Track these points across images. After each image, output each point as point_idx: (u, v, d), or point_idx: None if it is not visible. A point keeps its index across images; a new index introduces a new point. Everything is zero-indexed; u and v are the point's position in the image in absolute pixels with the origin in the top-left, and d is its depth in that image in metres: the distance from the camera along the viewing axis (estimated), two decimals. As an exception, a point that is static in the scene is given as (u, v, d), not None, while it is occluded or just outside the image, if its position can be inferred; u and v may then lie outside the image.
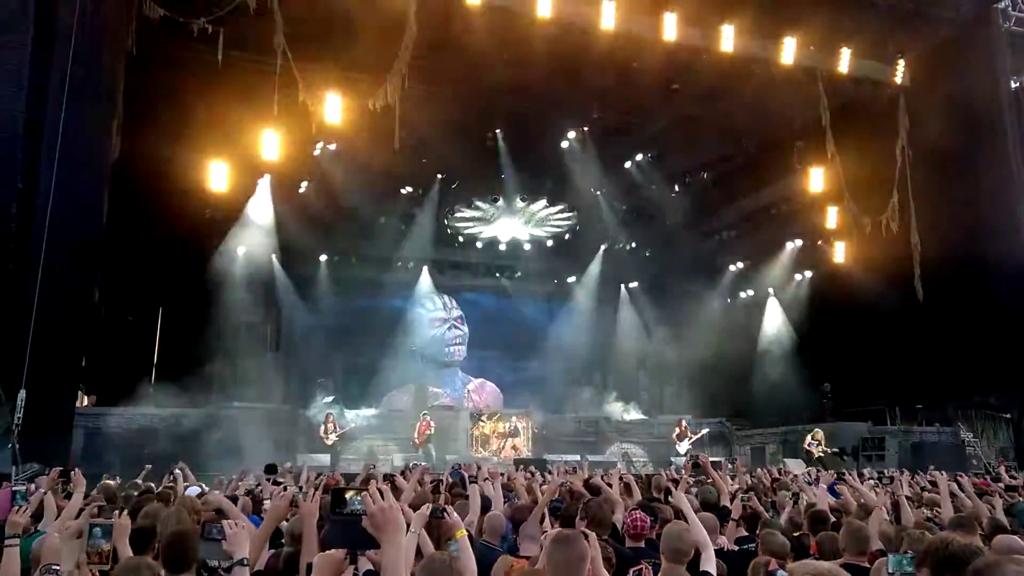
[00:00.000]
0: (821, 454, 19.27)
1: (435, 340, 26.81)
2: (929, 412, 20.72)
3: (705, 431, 21.56)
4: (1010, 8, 20.56)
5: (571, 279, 28.49)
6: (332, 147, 19.91)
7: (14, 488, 4.64)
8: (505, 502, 6.99)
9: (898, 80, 20.08)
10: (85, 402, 18.00)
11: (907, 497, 7.12)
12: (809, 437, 19.47)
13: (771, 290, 25.86)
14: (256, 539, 3.70)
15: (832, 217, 21.58)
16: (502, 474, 9.38)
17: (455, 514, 4.07)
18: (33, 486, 5.34)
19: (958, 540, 2.96)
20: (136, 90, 15.85)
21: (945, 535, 3.24)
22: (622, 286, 28.34)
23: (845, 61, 19.42)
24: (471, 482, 6.33)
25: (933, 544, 2.97)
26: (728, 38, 18.15)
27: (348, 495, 2.42)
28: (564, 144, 23.18)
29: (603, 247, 27.47)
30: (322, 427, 19.01)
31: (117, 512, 3.91)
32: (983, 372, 18.57)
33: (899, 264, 20.08)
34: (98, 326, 18.31)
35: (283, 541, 4.59)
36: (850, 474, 9.86)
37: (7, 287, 12.83)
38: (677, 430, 21.34)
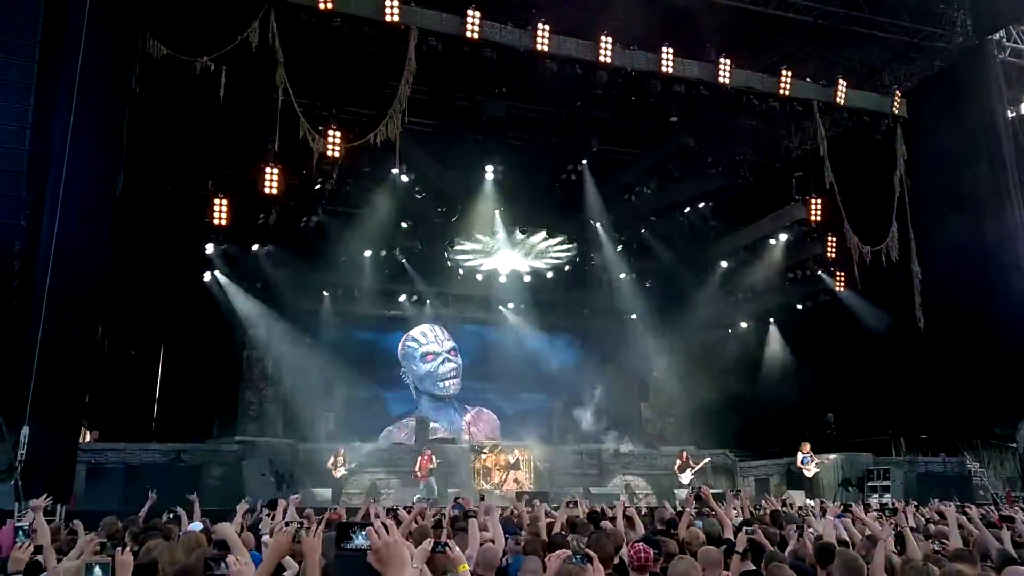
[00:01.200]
0: (817, 470, 19.19)
1: (429, 375, 26.67)
2: (934, 442, 20.61)
3: (706, 460, 21.40)
4: (1004, 39, 20.85)
5: (572, 311, 28.47)
6: (332, 181, 19.99)
7: (17, 525, 4.63)
8: (509, 536, 6.95)
9: (895, 110, 20.27)
10: (88, 438, 17.94)
11: (913, 529, 7.07)
12: (800, 455, 19.41)
13: (772, 320, 25.88)
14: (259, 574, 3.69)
15: (832, 247, 21.67)
16: (503, 508, 9.33)
17: (457, 548, 4.05)
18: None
19: (966, 573, 2.93)
20: (139, 127, 16.02)
21: (951, 568, 3.21)
22: (624, 317, 28.31)
23: (842, 92, 19.62)
24: (468, 516, 6.29)
25: None
26: (725, 71, 18.37)
27: (353, 530, 2.42)
28: (563, 176, 23.33)
29: (604, 279, 27.51)
30: (331, 459, 18.93)
31: (120, 549, 3.91)
32: (988, 402, 18.51)
33: (900, 293, 20.12)
34: (101, 362, 18.33)
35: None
36: (856, 506, 9.80)
37: (11, 323, 12.88)
38: (679, 461, 21.20)
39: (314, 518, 8.29)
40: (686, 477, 20.60)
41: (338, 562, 2.53)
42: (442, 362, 26.76)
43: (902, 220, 20.23)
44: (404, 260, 24.43)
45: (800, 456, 19.50)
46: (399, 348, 26.63)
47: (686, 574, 4.16)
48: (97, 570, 3.12)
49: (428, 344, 26.75)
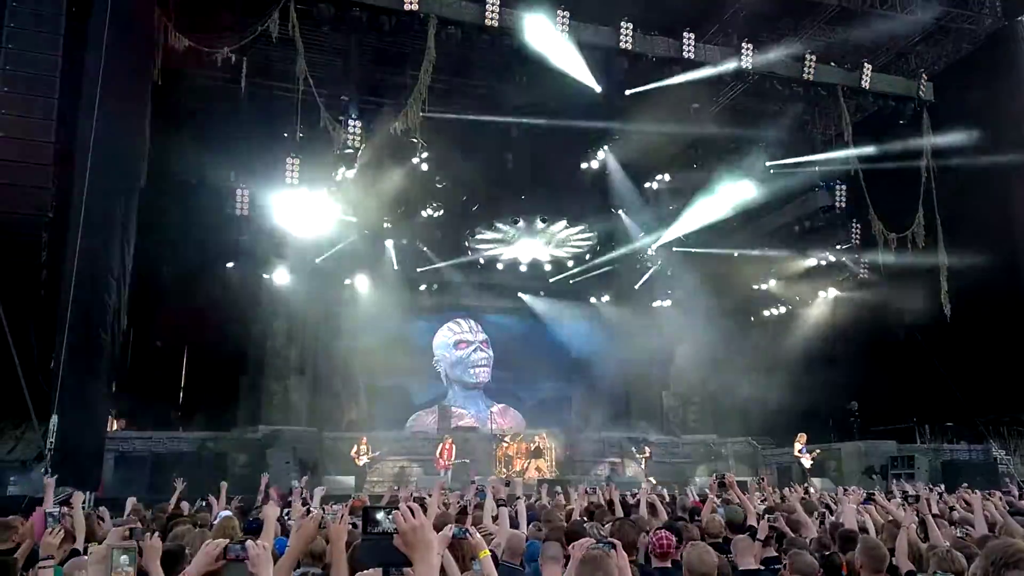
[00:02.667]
0: (812, 461, 19.19)
1: (460, 362, 26.94)
2: (960, 430, 20.41)
3: (648, 452, 21.63)
4: (1033, 21, 20.45)
5: (592, 299, 28.43)
6: (354, 171, 20.05)
7: (47, 511, 4.71)
8: (531, 523, 6.99)
9: (922, 94, 19.97)
10: (115, 427, 18.19)
11: (937, 516, 7.02)
12: (797, 446, 19.42)
13: (796, 307, 25.68)
14: (285, 562, 3.72)
15: (857, 233, 21.45)
16: (528, 496, 9.34)
17: (478, 534, 4.08)
18: (66, 508, 5.41)
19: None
20: (162, 118, 16.13)
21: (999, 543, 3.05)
22: (645, 305, 28.19)
23: (867, 77, 19.35)
24: (499, 505, 6.30)
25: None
26: (748, 56, 18.18)
27: (379, 515, 2.43)
28: (584, 165, 23.26)
29: (625, 267, 27.41)
30: (355, 447, 19.07)
31: (148, 535, 3.97)
32: (1015, 388, 18.28)
33: (926, 280, 19.90)
34: (127, 352, 18.54)
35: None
36: (880, 493, 9.74)
37: (39, 314, 13.04)
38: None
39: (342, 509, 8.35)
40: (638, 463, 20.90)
41: (364, 546, 2.54)
42: (474, 350, 27.19)
43: (928, 206, 19.98)
44: (425, 249, 24.50)
45: (797, 447, 19.51)
46: (434, 337, 26.96)
47: (699, 559, 4.17)
48: (124, 557, 3.13)
49: (463, 333, 27.24)
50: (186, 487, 9.47)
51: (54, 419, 11.84)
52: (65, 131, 13.41)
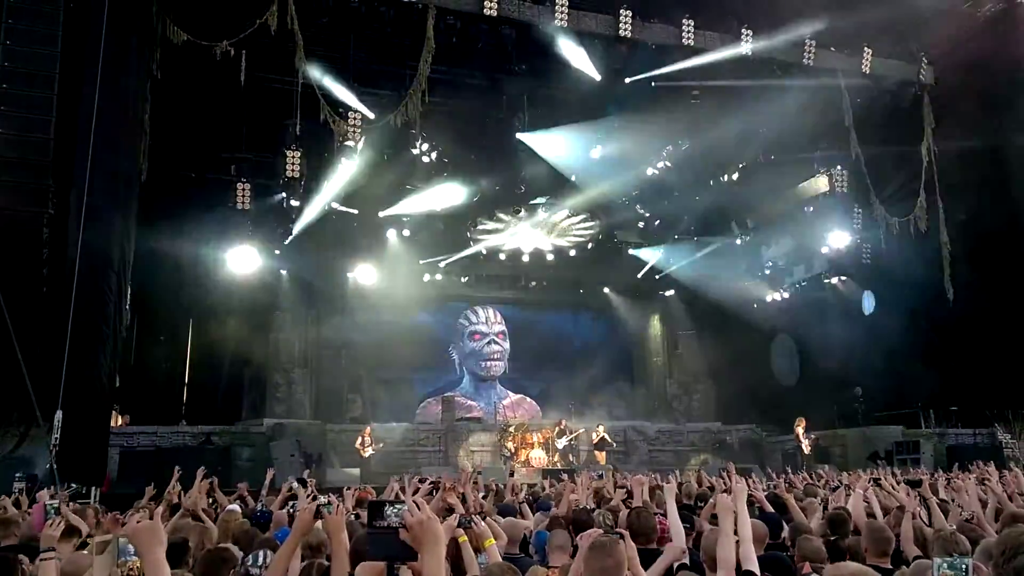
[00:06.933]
0: (810, 448, 19.19)
1: (472, 353, 26.95)
2: (965, 415, 20.38)
3: (581, 430, 21.36)
4: (1035, 3, 20.32)
5: (595, 288, 28.36)
6: (354, 163, 19.99)
7: (47, 503, 4.72)
8: (538, 511, 7.01)
9: (922, 78, 19.90)
10: (120, 422, 18.20)
11: (943, 501, 7.01)
12: (799, 430, 19.40)
13: (798, 293, 25.60)
14: (283, 551, 3.70)
15: (858, 218, 21.41)
16: (532, 485, 9.35)
17: (483, 523, 4.08)
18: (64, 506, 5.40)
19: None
20: (162, 113, 16.09)
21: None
22: (647, 293, 28.16)
23: (867, 61, 19.28)
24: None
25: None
26: (747, 42, 18.12)
27: (386, 509, 2.43)
28: (585, 153, 23.13)
29: (628, 254, 27.34)
30: (359, 439, 19.11)
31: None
32: (1019, 373, 18.26)
33: (929, 264, 19.86)
34: (131, 347, 18.54)
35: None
36: (886, 479, 9.73)
37: (42, 311, 13.06)
38: (557, 428, 21.28)
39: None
40: (562, 443, 20.80)
41: (370, 540, 2.53)
42: (488, 343, 27.04)
43: (931, 189, 19.93)
44: (426, 239, 24.42)
45: (799, 430, 19.56)
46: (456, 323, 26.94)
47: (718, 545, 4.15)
48: (128, 546, 3.10)
49: (478, 324, 27.13)
50: (180, 476, 9.29)
51: (59, 415, 11.88)
52: (65, 128, 13.41)
